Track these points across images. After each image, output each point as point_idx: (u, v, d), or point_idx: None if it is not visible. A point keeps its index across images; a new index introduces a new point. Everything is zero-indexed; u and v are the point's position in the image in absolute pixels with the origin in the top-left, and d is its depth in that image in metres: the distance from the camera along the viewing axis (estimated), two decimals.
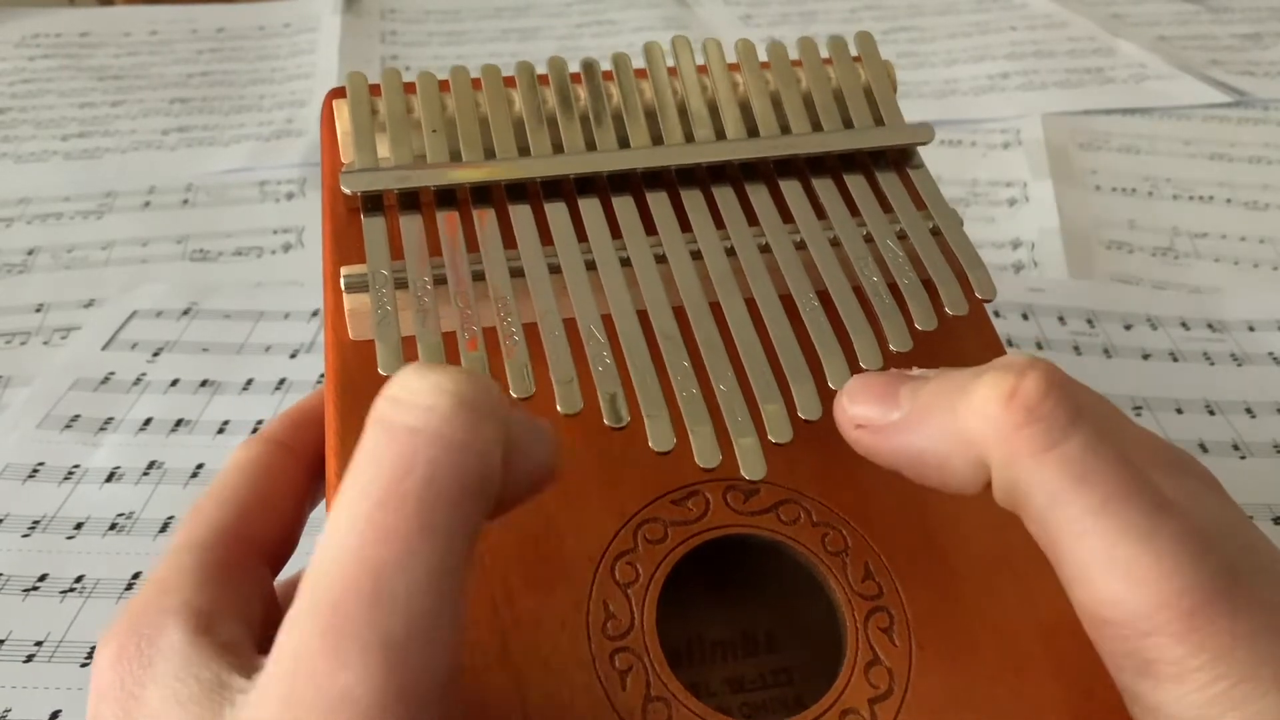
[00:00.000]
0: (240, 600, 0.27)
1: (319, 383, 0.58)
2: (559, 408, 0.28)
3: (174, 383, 0.58)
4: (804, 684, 0.31)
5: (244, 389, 0.58)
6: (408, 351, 0.29)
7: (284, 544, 0.31)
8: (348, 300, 0.31)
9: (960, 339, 0.34)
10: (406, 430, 0.22)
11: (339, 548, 0.21)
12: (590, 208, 0.33)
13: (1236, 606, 0.22)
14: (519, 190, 0.33)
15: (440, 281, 0.31)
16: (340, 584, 0.21)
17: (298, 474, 0.31)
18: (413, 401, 0.22)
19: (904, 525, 0.30)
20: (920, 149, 0.37)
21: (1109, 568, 0.23)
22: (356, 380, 0.31)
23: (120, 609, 0.27)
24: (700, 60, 0.37)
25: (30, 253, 0.71)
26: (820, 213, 0.34)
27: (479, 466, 0.22)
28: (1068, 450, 0.24)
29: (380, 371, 0.29)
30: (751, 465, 0.28)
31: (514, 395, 0.28)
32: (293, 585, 0.30)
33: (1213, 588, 0.22)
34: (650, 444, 0.28)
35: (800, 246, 0.33)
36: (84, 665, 0.43)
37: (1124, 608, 0.23)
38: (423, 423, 0.22)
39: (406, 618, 0.21)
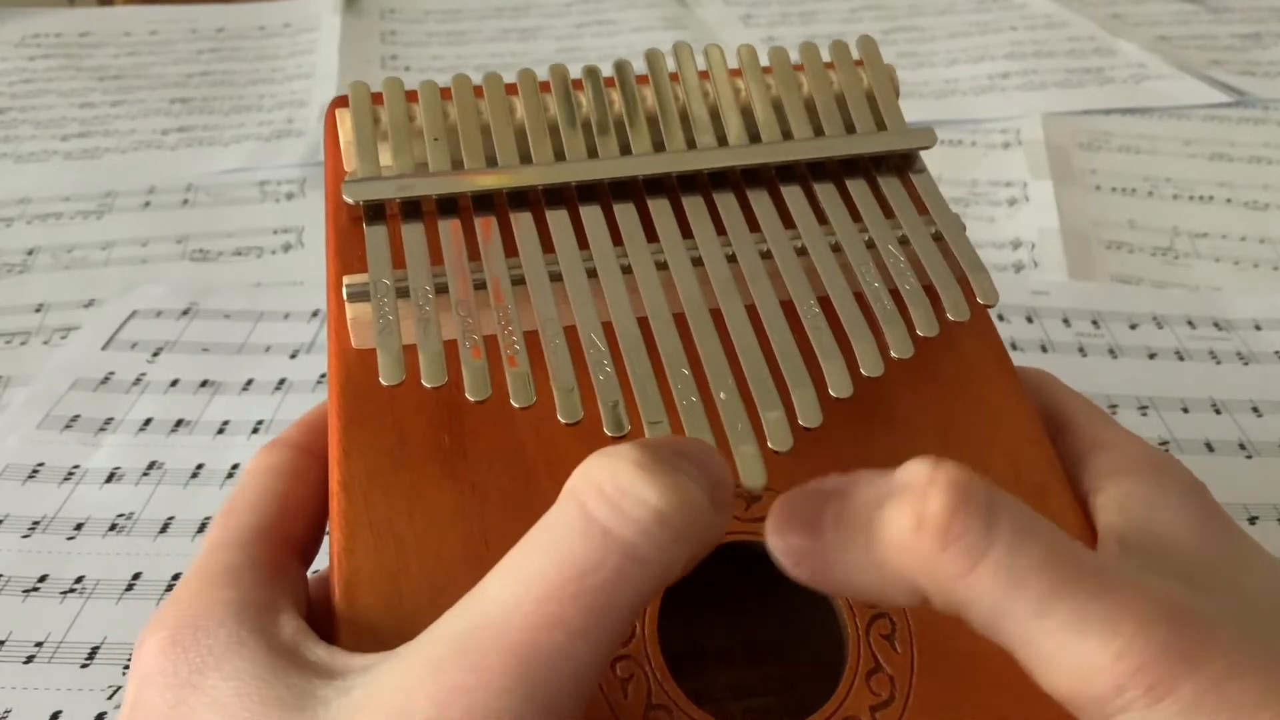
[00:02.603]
0: (292, 596, 0.28)
1: (319, 383, 0.58)
2: (560, 417, 0.28)
3: (174, 383, 0.58)
4: (807, 691, 0.31)
5: (244, 389, 0.58)
6: (409, 360, 0.29)
7: (312, 544, 0.31)
8: (350, 309, 0.31)
9: (962, 344, 0.34)
10: (602, 529, 0.22)
11: (501, 615, 0.22)
12: (592, 215, 0.33)
13: (1196, 663, 0.22)
14: (520, 198, 0.33)
15: (442, 290, 0.31)
16: (493, 655, 0.21)
17: (320, 476, 0.31)
18: (618, 502, 0.22)
19: None
20: (922, 152, 0.37)
21: (1062, 664, 0.22)
22: (361, 389, 0.31)
23: (165, 601, 0.27)
24: (702, 66, 0.37)
25: (30, 253, 0.71)
26: (822, 218, 0.34)
27: (658, 582, 0.23)
28: (991, 561, 0.23)
29: (381, 381, 0.29)
30: (751, 473, 0.28)
31: (515, 404, 0.28)
32: (317, 583, 0.30)
33: (1174, 652, 0.22)
34: None
35: (801, 252, 0.33)
36: (84, 666, 0.43)
37: (1086, 695, 0.22)
38: (620, 529, 0.22)
39: (546, 705, 0.21)
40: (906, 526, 0.23)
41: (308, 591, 0.29)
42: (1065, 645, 0.22)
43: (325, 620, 0.28)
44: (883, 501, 0.24)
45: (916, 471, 0.24)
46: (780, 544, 0.25)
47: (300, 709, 0.23)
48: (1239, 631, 0.23)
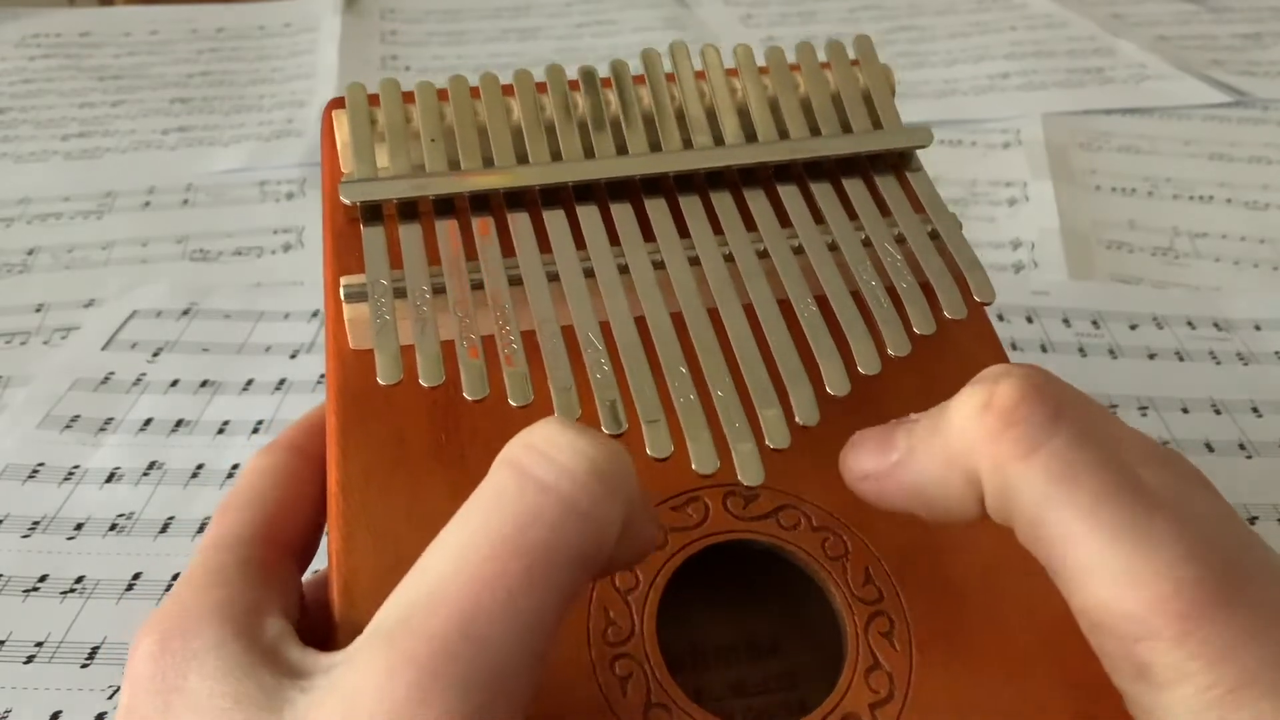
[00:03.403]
0: (281, 598, 0.28)
1: (319, 383, 0.58)
2: (557, 415, 0.28)
3: (174, 383, 0.58)
4: (808, 688, 0.31)
5: (244, 389, 0.58)
6: (407, 360, 0.29)
7: (309, 545, 0.31)
8: (347, 310, 0.31)
9: (960, 343, 0.34)
10: (536, 484, 0.23)
11: (441, 581, 0.22)
12: (588, 215, 0.33)
13: (1233, 607, 0.22)
14: (517, 198, 0.33)
15: (439, 290, 0.31)
16: (436, 620, 0.21)
17: (316, 478, 0.31)
18: (550, 456, 0.23)
19: (904, 529, 0.30)
20: (919, 151, 0.37)
21: (1102, 570, 0.23)
22: (358, 389, 0.31)
23: (160, 604, 0.27)
24: (698, 66, 0.37)
25: (30, 253, 0.71)
26: (818, 217, 0.34)
27: (596, 537, 0.23)
28: (1051, 451, 0.23)
29: (379, 381, 0.29)
30: (749, 471, 0.28)
31: (513, 404, 0.28)
32: (317, 584, 0.30)
33: (1208, 588, 0.22)
34: (648, 451, 0.28)
35: (798, 251, 0.33)
36: (84, 666, 0.43)
37: (1119, 611, 0.22)
38: (555, 482, 0.23)
39: (494, 667, 0.21)
40: (974, 407, 0.24)
41: (301, 593, 0.29)
42: (1108, 552, 0.22)
43: (324, 621, 0.28)
44: (958, 395, 0.25)
45: (993, 368, 0.25)
46: (855, 466, 0.27)
47: (269, 709, 0.23)
48: (1273, 590, 0.23)
